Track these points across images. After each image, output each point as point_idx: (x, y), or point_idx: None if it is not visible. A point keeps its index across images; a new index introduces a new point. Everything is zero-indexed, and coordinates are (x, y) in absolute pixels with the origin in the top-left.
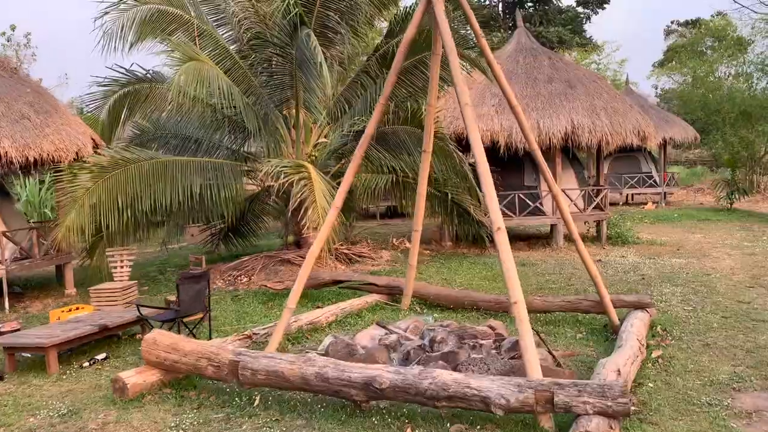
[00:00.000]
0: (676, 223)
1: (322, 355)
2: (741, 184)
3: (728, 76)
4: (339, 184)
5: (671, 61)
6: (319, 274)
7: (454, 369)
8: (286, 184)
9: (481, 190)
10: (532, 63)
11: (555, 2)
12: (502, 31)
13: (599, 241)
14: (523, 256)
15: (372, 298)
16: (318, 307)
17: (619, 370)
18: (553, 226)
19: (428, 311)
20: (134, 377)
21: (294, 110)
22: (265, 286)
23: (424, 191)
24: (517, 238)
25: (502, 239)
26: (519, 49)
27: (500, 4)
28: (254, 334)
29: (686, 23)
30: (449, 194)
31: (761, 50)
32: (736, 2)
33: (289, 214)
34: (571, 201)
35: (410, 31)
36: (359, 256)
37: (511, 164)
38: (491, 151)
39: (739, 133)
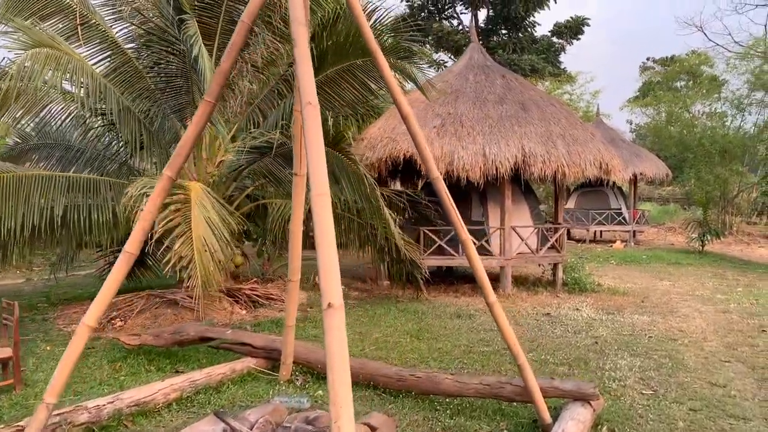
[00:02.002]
0: (644, 267)
1: None
2: (714, 225)
3: (702, 114)
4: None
5: (646, 97)
6: (184, 327)
7: None
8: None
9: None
10: (483, 81)
11: (529, 31)
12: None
13: (554, 287)
14: (462, 304)
15: (244, 364)
16: (179, 372)
17: None
18: (501, 269)
19: (312, 385)
20: None
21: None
22: (118, 339)
23: (298, 229)
24: (463, 279)
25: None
26: (470, 66)
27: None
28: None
29: (662, 61)
30: (377, 228)
31: (736, 88)
32: (711, 41)
33: (151, 246)
34: (522, 240)
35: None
36: (267, 299)
37: (457, 196)
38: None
39: (714, 171)
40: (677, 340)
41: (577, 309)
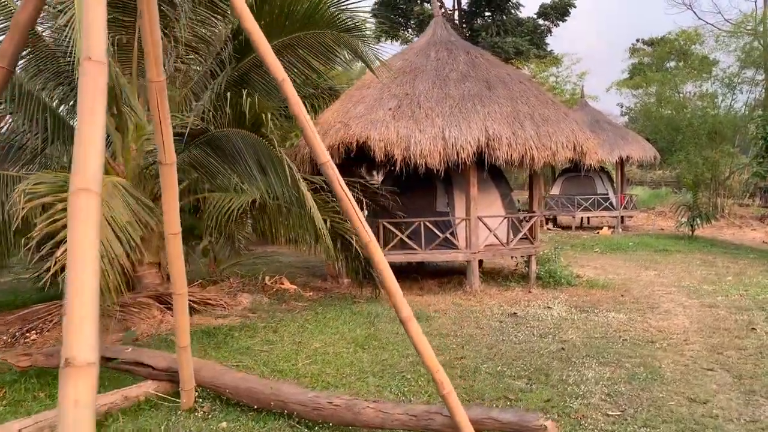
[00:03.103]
0: (630, 254)
1: None
2: (704, 208)
3: (693, 95)
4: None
5: (642, 82)
6: None
7: None
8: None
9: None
10: (446, 58)
11: (513, 12)
12: None
13: (528, 281)
14: (423, 304)
15: (141, 390)
16: None
17: None
18: (467, 263)
19: (218, 414)
20: None
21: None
22: (5, 359)
23: (171, 232)
24: (430, 274)
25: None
26: (433, 42)
27: (456, 13)
28: None
29: (651, 42)
30: (328, 221)
31: (727, 66)
32: (700, 19)
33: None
34: (490, 231)
35: None
36: (204, 304)
37: (420, 185)
38: (393, 168)
39: (703, 153)
40: (655, 342)
41: (548, 307)
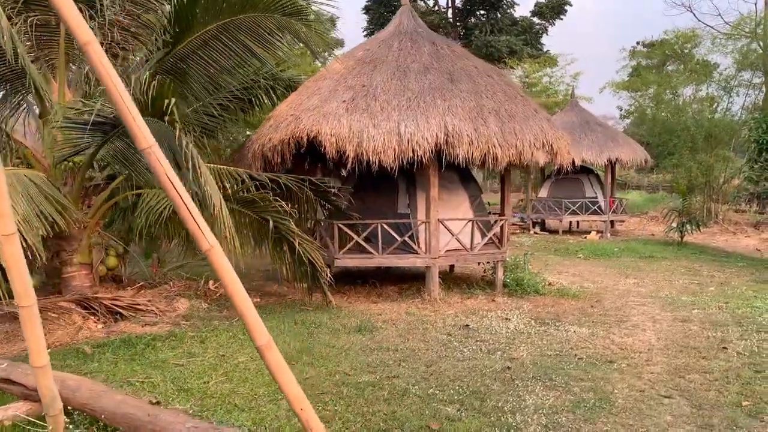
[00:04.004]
0: (614, 261)
1: None
2: (698, 213)
3: (692, 98)
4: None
5: (638, 83)
6: None
7: None
8: None
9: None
10: (409, 49)
11: (508, 11)
12: (451, 38)
13: (494, 289)
14: (374, 313)
15: (7, 413)
16: None
17: None
18: (427, 269)
19: None
20: None
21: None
22: None
23: (6, 233)
24: (397, 280)
25: None
26: (397, 33)
27: (449, 11)
28: None
29: (651, 44)
30: (270, 220)
31: (724, 68)
32: (700, 21)
33: None
34: (453, 235)
35: None
36: (133, 310)
37: (382, 185)
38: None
39: (697, 158)
40: (614, 362)
41: (507, 318)
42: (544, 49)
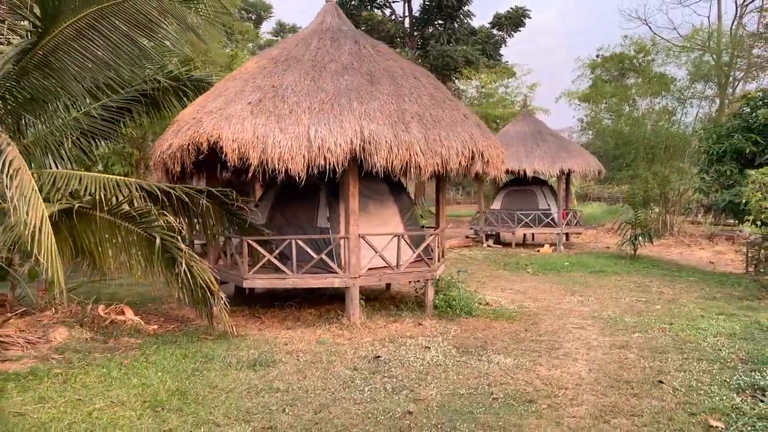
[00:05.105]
0: (562, 276)
1: None
2: (653, 225)
3: (650, 110)
4: None
5: (595, 94)
6: None
7: None
8: None
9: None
10: (328, 47)
11: (465, 21)
12: (408, 48)
13: (424, 309)
14: (282, 341)
15: None
16: None
17: None
18: (346, 290)
19: None
20: None
21: None
22: None
23: None
24: (319, 300)
25: None
26: (318, 31)
27: (407, 20)
28: None
29: (609, 58)
30: (158, 238)
31: (678, 78)
32: (656, 34)
33: None
34: (376, 252)
35: None
36: None
37: (302, 196)
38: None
39: (652, 169)
40: (534, 402)
41: (427, 347)
42: (503, 60)
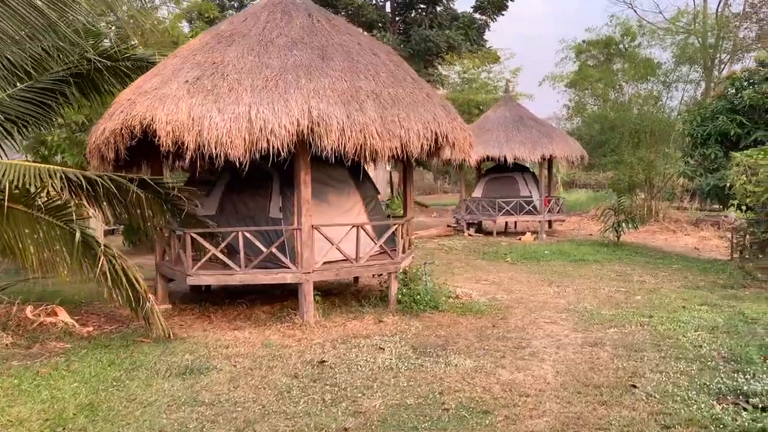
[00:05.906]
0: (541, 265)
1: None
2: (638, 211)
3: (636, 95)
4: None
5: (581, 79)
6: None
7: None
8: None
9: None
10: (278, 21)
11: (448, 5)
12: (389, 33)
13: (387, 306)
14: (225, 343)
15: None
16: None
17: None
18: (299, 286)
19: None
20: None
21: None
22: None
23: None
24: (271, 297)
25: None
26: (270, 4)
27: (388, 4)
28: None
29: (597, 42)
30: (78, 231)
31: (663, 61)
32: (642, 18)
33: None
34: (333, 244)
35: None
36: None
37: (254, 184)
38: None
39: (637, 154)
40: (490, 413)
41: (381, 348)
42: (487, 46)
